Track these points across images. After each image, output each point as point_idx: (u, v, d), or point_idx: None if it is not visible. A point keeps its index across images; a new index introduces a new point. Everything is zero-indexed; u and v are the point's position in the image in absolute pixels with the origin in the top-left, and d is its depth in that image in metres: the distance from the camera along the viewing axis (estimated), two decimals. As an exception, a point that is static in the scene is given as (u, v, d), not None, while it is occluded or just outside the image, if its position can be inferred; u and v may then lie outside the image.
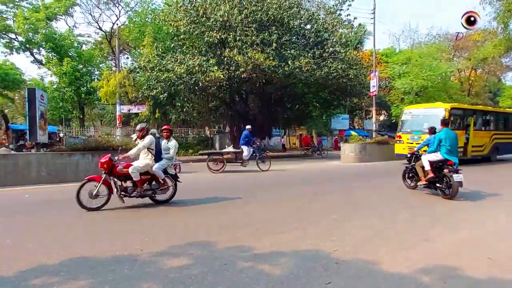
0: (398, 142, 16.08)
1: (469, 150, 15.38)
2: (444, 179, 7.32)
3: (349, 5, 20.50)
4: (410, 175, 8.48)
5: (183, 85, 17.69)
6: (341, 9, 20.51)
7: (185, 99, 20.81)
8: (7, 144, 13.53)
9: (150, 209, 6.43)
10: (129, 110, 24.56)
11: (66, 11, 28.10)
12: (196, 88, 18.22)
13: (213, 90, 19.94)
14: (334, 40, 19.27)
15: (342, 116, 33.20)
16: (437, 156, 7.47)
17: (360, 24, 28.08)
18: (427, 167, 7.55)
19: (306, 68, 17.06)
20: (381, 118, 39.25)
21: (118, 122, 23.35)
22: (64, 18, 29.11)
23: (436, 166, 7.52)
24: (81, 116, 29.22)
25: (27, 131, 10.62)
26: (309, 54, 18.17)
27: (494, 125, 17.52)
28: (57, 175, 9.64)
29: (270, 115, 22.92)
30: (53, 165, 9.67)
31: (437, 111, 14.38)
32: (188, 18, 17.80)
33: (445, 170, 7.26)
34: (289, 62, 17.01)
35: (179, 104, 20.89)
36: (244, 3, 17.98)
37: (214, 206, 6.61)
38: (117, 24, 28.71)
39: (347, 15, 20.58)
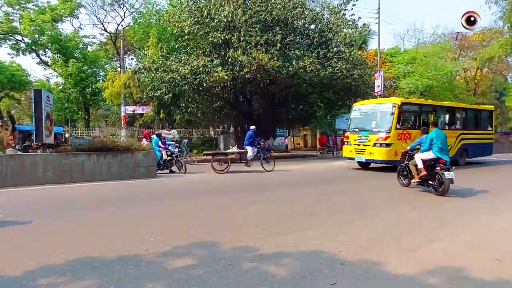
0: (345, 143, 14.24)
1: None
2: (436, 176, 7.65)
3: (354, 5, 20.43)
4: (404, 173, 8.87)
5: (187, 86, 17.73)
6: (345, 9, 20.44)
7: (190, 99, 20.85)
8: (13, 144, 13.64)
9: (154, 209, 6.45)
10: (133, 111, 24.68)
11: (72, 12, 28.29)
12: (201, 88, 18.25)
13: (217, 90, 19.96)
14: (338, 40, 19.20)
15: (347, 116, 32.95)
16: (429, 155, 7.82)
17: (364, 24, 27.94)
18: (420, 165, 7.91)
19: (310, 68, 17.03)
20: (386, 118, 38.98)
21: (123, 122, 23.48)
22: (70, 19, 29.35)
23: (429, 164, 7.86)
24: (86, 117, 29.40)
25: (33, 131, 10.68)
26: (313, 54, 18.12)
27: (462, 123, 15.52)
28: (63, 175, 9.71)
29: (274, 116, 22.89)
30: (59, 166, 9.74)
31: (386, 107, 12.82)
32: (192, 19, 17.84)
33: (437, 168, 7.59)
34: (293, 62, 16.98)
35: (184, 105, 20.93)
36: (248, 3, 17.99)
37: (218, 207, 6.62)
38: (122, 25, 28.87)
39: (352, 15, 20.51)
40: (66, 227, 5.14)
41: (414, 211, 6.24)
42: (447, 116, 15.05)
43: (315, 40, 19.61)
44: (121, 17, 29.21)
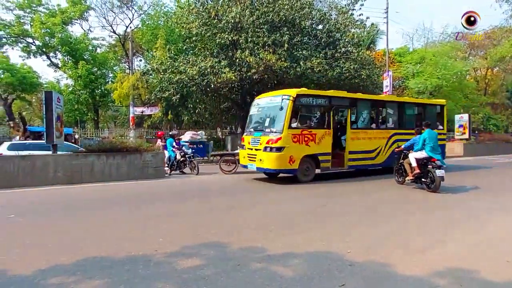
0: (241, 147, 11.34)
1: (346, 158, 10.75)
2: (429, 174, 8.13)
3: (362, 5, 20.30)
4: (400, 171, 9.43)
5: (195, 87, 17.82)
6: (353, 9, 20.32)
7: (197, 100, 20.94)
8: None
9: (162, 210, 6.50)
10: (142, 112, 24.88)
11: (81, 15, 28.65)
12: (208, 89, 18.33)
13: (225, 91, 20.01)
14: (346, 40, 19.11)
15: (354, 117, 32.80)
16: (422, 154, 8.30)
17: (372, 24, 27.75)
18: (414, 163, 8.40)
19: (318, 69, 16.99)
20: (395, 118, 38.68)
21: (131, 123, 23.68)
22: (79, 22, 29.71)
23: (422, 163, 8.30)
24: (96, 118, 29.74)
25: (44, 133, 10.82)
26: (321, 54, 18.06)
27: (397, 121, 12.43)
28: (73, 175, 9.83)
29: (281, 116, 22.82)
30: (69, 166, 9.87)
31: (279, 100, 9.91)
32: (200, 20, 17.92)
33: (429, 166, 8.11)
34: (301, 63, 16.96)
35: (191, 106, 21.04)
36: (256, 4, 18.01)
37: (226, 207, 6.64)
38: (130, 27, 29.15)
39: (360, 15, 20.38)
40: (75, 227, 5.20)
41: (422, 212, 6.17)
42: (373, 112, 12.18)
43: (322, 40, 19.54)
44: (129, 19, 29.46)
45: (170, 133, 13.80)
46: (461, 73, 27.74)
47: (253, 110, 11.21)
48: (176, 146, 12.65)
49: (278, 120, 9.75)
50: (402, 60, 32.43)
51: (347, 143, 10.79)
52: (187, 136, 18.06)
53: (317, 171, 10.25)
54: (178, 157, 12.44)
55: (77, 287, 3.05)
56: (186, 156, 12.51)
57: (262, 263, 3.58)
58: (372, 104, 12.19)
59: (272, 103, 10.29)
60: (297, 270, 3.40)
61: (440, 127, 13.39)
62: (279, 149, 9.34)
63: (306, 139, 9.77)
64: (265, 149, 9.63)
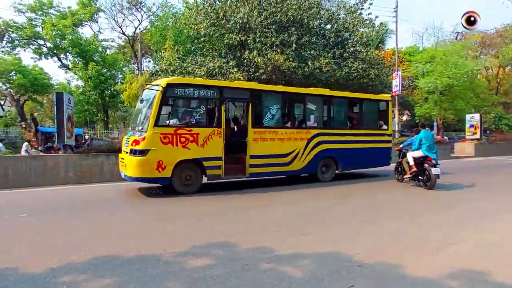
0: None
1: (247, 164, 8.71)
2: (425, 172, 8.52)
3: (370, 4, 20.14)
4: (399, 169, 9.80)
5: (203, 87, 17.88)
6: (362, 8, 20.19)
7: (206, 101, 21.00)
8: (36, 146, 14.09)
9: (171, 209, 6.54)
10: (151, 113, 25.02)
11: (91, 17, 29.02)
12: (216, 90, 18.36)
13: (233, 91, 20.03)
14: (354, 40, 19.00)
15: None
16: (419, 153, 8.70)
17: (382, 23, 27.59)
18: (411, 162, 8.83)
19: (326, 69, 16.92)
20: (404, 118, 38.34)
21: (140, 124, 23.79)
22: (90, 24, 30.09)
23: (419, 162, 8.68)
24: (105, 119, 30.07)
25: (55, 133, 10.99)
26: (329, 54, 17.98)
27: (321, 119, 10.43)
28: (83, 175, 9.96)
29: (290, 116, 22.80)
30: (79, 166, 10.00)
31: (149, 92, 8.43)
32: (208, 21, 17.99)
33: (425, 165, 8.49)
34: (309, 63, 16.91)
35: (200, 106, 21.10)
36: (264, 4, 18.01)
37: (235, 207, 6.65)
38: (139, 29, 29.40)
39: (368, 14, 20.24)
40: (86, 226, 5.26)
41: (432, 213, 6.10)
42: (287, 108, 10.09)
43: (331, 40, 19.45)
44: (138, 20, 29.76)
45: None
46: (472, 72, 27.31)
47: (137, 104, 9.30)
48: None
49: (147, 116, 7.90)
50: (412, 59, 32.10)
51: (248, 145, 8.68)
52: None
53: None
54: None
55: (88, 285, 3.08)
56: None
57: (271, 263, 3.58)
58: (285, 98, 9.81)
59: (148, 95, 8.37)
60: (306, 271, 3.39)
61: (385, 126, 11.42)
62: (142, 152, 7.38)
63: (183, 140, 7.72)
64: (130, 152, 7.72)
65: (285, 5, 17.53)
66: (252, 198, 7.77)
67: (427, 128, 9.07)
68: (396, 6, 24.11)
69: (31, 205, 6.99)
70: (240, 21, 16.93)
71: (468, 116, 22.67)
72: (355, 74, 18.07)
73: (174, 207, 6.77)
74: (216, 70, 16.83)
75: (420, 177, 8.69)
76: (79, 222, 5.54)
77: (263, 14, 17.23)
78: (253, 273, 3.35)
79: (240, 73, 16.58)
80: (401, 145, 10.03)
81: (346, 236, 4.60)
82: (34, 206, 6.88)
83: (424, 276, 3.27)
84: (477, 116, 22.19)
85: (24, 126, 20.52)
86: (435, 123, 30.92)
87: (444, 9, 67.16)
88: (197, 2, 19.53)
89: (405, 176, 9.28)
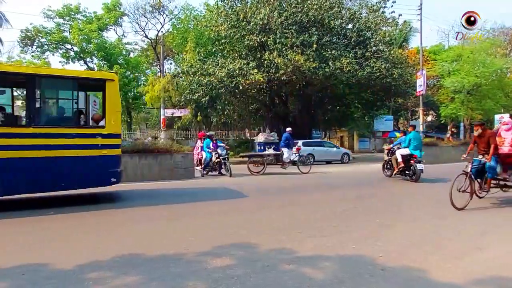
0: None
1: None
2: (411, 167, 9.79)
3: (394, 2, 19.77)
4: (388, 166, 11.11)
5: (224, 89, 18.06)
6: (385, 7, 19.85)
7: (226, 102, 21.22)
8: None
9: (192, 209, 6.62)
10: (172, 114, 25.53)
11: (116, 21, 29.89)
12: (237, 91, 18.51)
13: (253, 92, 20.14)
14: (377, 39, 18.68)
15: (386, 117, 32.01)
16: (406, 151, 9.94)
17: (405, 21, 26.91)
18: (400, 159, 10.02)
19: (347, 69, 16.71)
20: (429, 118, 37.31)
21: (162, 125, 24.30)
22: (114, 28, 31.01)
23: (406, 159, 9.90)
24: (129, 120, 30.85)
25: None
26: (351, 54, 17.75)
27: None
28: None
29: (310, 117, 22.67)
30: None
31: None
32: (228, 22, 18.16)
33: (412, 162, 9.77)
34: (330, 63, 16.75)
35: (220, 107, 21.34)
36: (284, 5, 18.00)
37: (255, 208, 6.66)
38: (161, 32, 30.02)
39: (391, 12, 19.87)
40: (111, 224, 5.41)
41: (456, 216, 5.88)
42: None
43: (352, 39, 19.20)
44: (161, 23, 30.39)
45: (207, 134, 13.82)
46: (501, 70, 26.25)
47: None
48: (212, 147, 12.49)
49: None
50: (437, 58, 31.20)
51: None
52: (261, 138, 18.18)
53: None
54: (214, 158, 12.28)
55: (113, 281, 3.17)
56: (221, 157, 12.30)
57: (292, 264, 3.56)
58: None
59: None
60: (327, 273, 3.36)
61: (102, 122, 7.02)
62: None
63: None
64: None
65: (305, 5, 17.46)
66: (274, 199, 7.77)
67: (416, 130, 10.42)
68: (421, 4, 23.50)
69: (58, 203, 7.23)
70: (261, 22, 16.98)
71: (497, 116, 21.77)
72: (378, 74, 17.76)
73: (196, 207, 6.85)
74: (237, 71, 16.96)
75: (406, 172, 10.03)
76: (103, 221, 5.70)
77: (284, 14, 17.22)
78: (273, 274, 3.34)
79: (260, 74, 16.63)
80: (390, 145, 11.61)
81: (368, 239, 4.51)
82: (61, 205, 7.12)
83: (449, 282, 3.17)
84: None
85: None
86: (461, 124, 29.88)
87: (471, 5, 64.90)
88: (217, 4, 19.75)
89: (394, 172, 10.43)
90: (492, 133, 6.64)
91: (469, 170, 6.31)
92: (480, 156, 6.67)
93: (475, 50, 26.42)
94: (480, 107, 25.18)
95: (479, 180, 6.64)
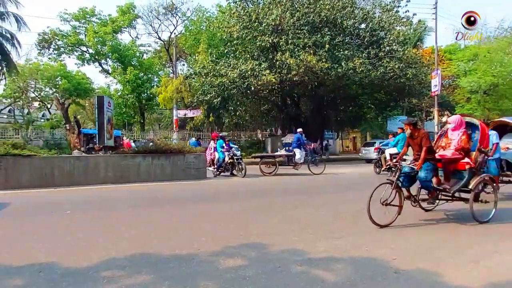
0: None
1: None
2: (397, 165, 9.26)
3: (408, 1, 19.49)
4: (377, 164, 12.52)
5: (236, 90, 18.12)
6: (398, 6, 19.58)
7: (238, 103, 21.28)
8: (79, 147, 14.91)
9: (204, 210, 6.65)
10: (185, 115, 25.72)
11: (130, 23, 30.32)
12: (249, 92, 18.55)
13: (265, 93, 20.15)
14: (390, 39, 18.44)
15: (399, 118, 31.49)
16: (394, 150, 11.14)
17: (420, 20, 26.52)
18: (388, 157, 11.17)
19: (360, 69, 16.56)
20: (444, 119, 36.48)
21: (174, 126, 24.51)
22: (128, 30, 31.45)
23: (394, 157, 9.70)
24: (142, 121, 31.23)
25: (96, 135, 11.54)
26: (364, 54, 17.57)
27: None
28: (122, 175, 10.39)
29: (322, 118, 22.54)
30: (118, 167, 10.44)
31: None
32: (241, 23, 18.21)
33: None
34: (343, 64, 16.62)
35: (232, 108, 21.41)
36: (296, 6, 17.95)
37: (267, 209, 6.65)
38: (174, 33, 30.30)
39: (405, 12, 19.59)
40: (124, 224, 5.48)
41: (473, 220, 5.74)
42: None
43: (365, 39, 19.01)
44: (173, 25, 30.69)
45: (220, 134, 13.84)
46: (519, 70, 25.59)
47: None
48: (225, 147, 12.49)
49: None
50: (453, 57, 30.62)
51: None
52: (289, 138, 18.15)
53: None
54: (227, 159, 12.27)
55: (127, 280, 3.21)
56: (235, 158, 12.27)
57: (303, 266, 3.54)
58: None
59: None
60: (339, 275, 3.32)
61: None
62: None
63: None
64: None
65: (318, 6, 17.38)
66: (286, 200, 7.75)
67: (404, 132, 10.53)
68: (436, 3, 23.08)
69: (75, 202, 7.38)
70: (273, 23, 16.98)
71: (515, 117, 21.18)
72: (391, 74, 17.54)
73: (208, 207, 6.89)
74: (249, 72, 16.99)
75: (393, 169, 9.72)
76: (117, 220, 5.79)
77: (296, 15, 17.18)
78: (284, 275, 3.33)
79: (272, 75, 16.62)
80: (380, 145, 13.71)
81: (382, 241, 4.45)
82: (78, 203, 7.27)
83: (467, 286, 3.10)
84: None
85: (68, 128, 21.77)
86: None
87: (488, 4, 63.47)
88: (230, 5, 19.84)
89: (382, 169, 10.64)
90: (425, 133, 5.54)
91: (395, 178, 5.36)
92: (408, 162, 5.67)
93: (492, 49, 25.82)
94: (497, 107, 24.60)
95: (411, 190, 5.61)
